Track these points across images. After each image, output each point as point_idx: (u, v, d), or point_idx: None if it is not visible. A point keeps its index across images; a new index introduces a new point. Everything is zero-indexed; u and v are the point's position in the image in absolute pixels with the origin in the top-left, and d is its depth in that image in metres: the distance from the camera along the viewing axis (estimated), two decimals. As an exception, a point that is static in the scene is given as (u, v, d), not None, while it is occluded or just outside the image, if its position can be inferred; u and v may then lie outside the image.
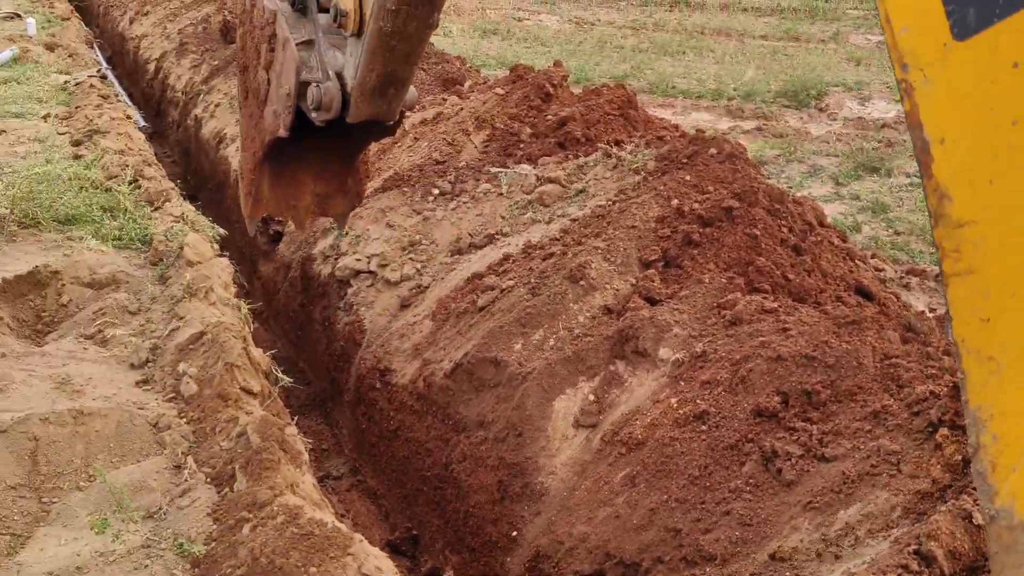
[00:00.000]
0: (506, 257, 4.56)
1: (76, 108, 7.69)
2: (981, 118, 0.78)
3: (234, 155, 7.44)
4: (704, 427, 3.13)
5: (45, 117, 7.49)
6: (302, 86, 2.85)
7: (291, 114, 2.90)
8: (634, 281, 3.92)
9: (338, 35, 2.85)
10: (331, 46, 2.86)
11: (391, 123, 3.02)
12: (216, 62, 9.66)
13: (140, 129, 9.53)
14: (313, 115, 2.88)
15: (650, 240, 4.11)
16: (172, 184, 5.83)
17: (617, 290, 3.89)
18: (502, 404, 3.70)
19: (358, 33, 2.72)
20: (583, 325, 3.78)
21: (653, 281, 3.85)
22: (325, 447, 5.17)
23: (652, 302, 3.75)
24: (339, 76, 2.83)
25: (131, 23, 13.36)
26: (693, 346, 3.43)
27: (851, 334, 3.27)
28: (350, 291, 5.09)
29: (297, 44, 2.90)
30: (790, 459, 2.82)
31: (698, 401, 3.20)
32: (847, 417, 2.91)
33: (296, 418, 4.95)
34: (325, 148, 3.16)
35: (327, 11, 2.86)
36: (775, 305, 3.51)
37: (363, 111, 2.81)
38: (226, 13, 10.54)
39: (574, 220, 4.55)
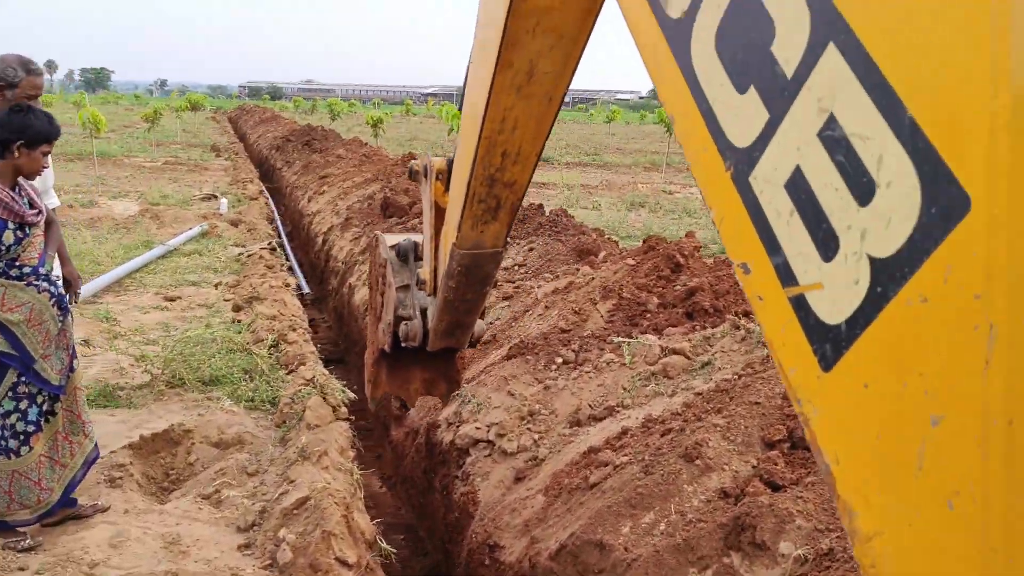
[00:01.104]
0: (624, 431, 4.35)
1: (244, 277, 8.40)
2: (858, 436, 0.86)
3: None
4: (831, 640, 2.70)
5: (216, 285, 8.21)
6: (397, 319, 3.60)
7: (391, 337, 3.68)
8: (755, 463, 3.59)
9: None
10: (422, 289, 3.60)
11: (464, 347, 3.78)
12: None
13: (303, 295, 10.28)
14: (403, 343, 3.64)
15: (775, 418, 3.80)
16: (312, 348, 6.11)
17: (736, 472, 3.57)
18: (605, 594, 3.40)
19: (433, 293, 3.45)
20: (697, 509, 3.47)
21: (776, 464, 3.51)
22: (435, 626, 4.94)
23: (774, 487, 3.40)
24: (424, 313, 3.57)
25: (309, 201, 14.74)
26: (819, 541, 3.04)
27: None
28: (468, 460, 5.00)
29: (397, 288, 3.69)
30: None
31: (825, 609, 2.79)
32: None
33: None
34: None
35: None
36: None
37: (437, 345, 3.59)
38: (387, 191, 11.42)
39: (697, 394, 4.32)
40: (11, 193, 3.22)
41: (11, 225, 3.21)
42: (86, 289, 7.31)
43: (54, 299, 3.42)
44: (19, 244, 3.24)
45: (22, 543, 3.41)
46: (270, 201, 17.03)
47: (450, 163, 3.31)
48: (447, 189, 3.34)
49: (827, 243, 0.89)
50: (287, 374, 5.36)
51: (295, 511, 3.69)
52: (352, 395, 5.58)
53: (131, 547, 3.51)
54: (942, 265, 0.75)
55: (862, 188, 0.84)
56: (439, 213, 3.37)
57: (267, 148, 25.29)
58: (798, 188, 0.93)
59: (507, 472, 4.72)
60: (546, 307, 6.22)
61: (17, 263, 3.27)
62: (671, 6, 1.17)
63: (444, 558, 5.11)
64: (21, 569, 3.25)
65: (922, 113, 0.77)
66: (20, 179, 3.35)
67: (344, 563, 3.40)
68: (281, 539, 3.49)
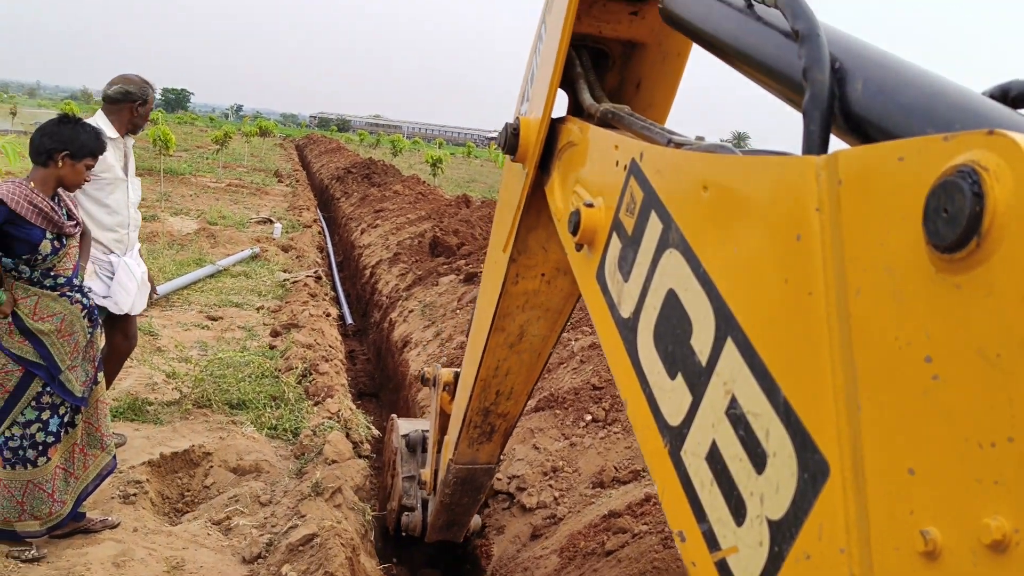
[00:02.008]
0: (647, 498, 4.19)
1: (286, 303, 8.46)
2: None
3: (414, 359, 7.75)
4: None
5: (258, 308, 8.28)
6: (402, 508, 4.15)
7: (395, 520, 4.18)
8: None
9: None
10: (423, 488, 4.04)
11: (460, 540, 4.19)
12: (420, 272, 10.39)
13: (347, 326, 10.31)
14: (404, 531, 4.13)
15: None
16: (343, 380, 6.08)
17: (760, 555, 3.39)
18: (611, 670, 3.23)
19: (433, 491, 3.84)
20: (714, 591, 3.29)
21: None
22: None
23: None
24: (425, 505, 4.02)
25: (362, 233, 14.90)
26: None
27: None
28: (486, 511, 4.88)
29: (404, 478, 4.14)
30: None
31: None
32: None
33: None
34: None
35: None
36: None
37: (434, 538, 3.99)
38: (438, 230, 11.47)
39: (727, 466, 4.14)
40: (51, 203, 3.26)
41: (49, 235, 3.24)
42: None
43: (85, 311, 3.43)
44: (55, 254, 3.27)
45: (27, 553, 3.38)
46: (325, 229, 17.29)
47: (456, 376, 3.73)
48: (453, 397, 3.74)
49: (738, 509, 1.01)
50: (313, 405, 5.33)
51: (301, 547, 3.61)
52: (377, 432, 5.52)
53: (134, 567, 3.45)
54: (817, 524, 0.86)
55: (758, 458, 0.97)
56: (444, 419, 3.78)
57: (328, 178, 25.79)
58: (715, 460, 1.07)
59: (524, 528, 4.58)
60: (581, 361, 6.10)
61: (52, 273, 3.30)
62: (623, 307, 1.42)
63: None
64: (21, 580, 3.22)
65: (792, 393, 0.92)
66: (60, 190, 3.40)
67: (343, 607, 3.30)
68: (284, 575, 3.41)
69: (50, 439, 3.37)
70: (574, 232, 1.64)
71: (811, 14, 1.11)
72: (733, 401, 1.04)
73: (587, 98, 2.01)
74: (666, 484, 1.20)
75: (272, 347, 6.75)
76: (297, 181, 25.70)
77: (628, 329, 1.40)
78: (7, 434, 3.31)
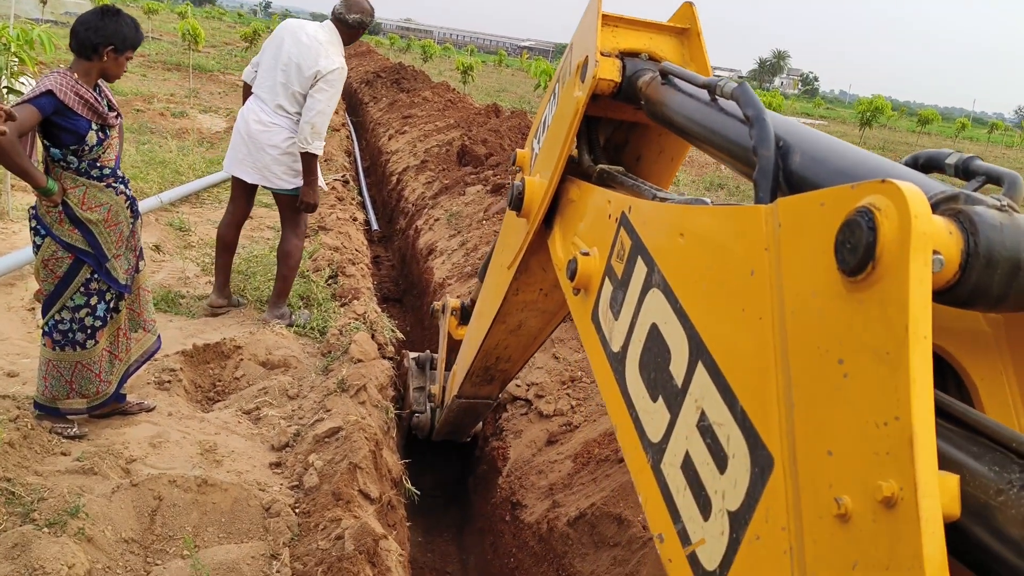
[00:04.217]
0: (662, 410, 4.31)
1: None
2: None
3: (439, 267, 7.84)
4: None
5: (287, 210, 8.33)
6: (411, 413, 4.63)
7: (406, 428, 4.74)
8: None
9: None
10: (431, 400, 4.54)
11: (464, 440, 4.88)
12: (447, 181, 10.38)
13: (372, 231, 10.40)
14: (413, 430, 4.67)
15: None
16: (369, 284, 6.19)
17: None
18: (617, 567, 3.40)
19: (440, 405, 4.31)
20: (721, 500, 3.43)
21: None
22: (450, 570, 5.03)
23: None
24: (434, 412, 4.47)
25: (389, 139, 14.83)
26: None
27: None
28: (503, 416, 5.03)
29: (414, 389, 4.64)
30: None
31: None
32: None
33: (428, 536, 4.90)
34: None
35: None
36: None
37: (440, 437, 4.57)
38: (466, 139, 11.39)
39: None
40: (95, 94, 3.32)
41: (94, 126, 3.31)
42: (165, 197, 7.54)
43: (128, 201, 3.53)
44: (100, 145, 3.35)
45: (69, 430, 3.57)
46: (352, 134, 17.20)
47: (463, 304, 4.22)
48: (460, 322, 4.23)
49: (705, 506, 1.18)
50: (340, 306, 5.45)
51: (326, 439, 3.77)
52: (401, 335, 5.66)
53: (169, 448, 3.64)
54: (764, 509, 1.03)
55: (721, 460, 1.15)
56: (452, 342, 4.23)
57: (357, 82, 25.47)
58: (688, 467, 1.24)
59: (540, 433, 4.74)
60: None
61: (98, 164, 3.38)
62: (614, 342, 1.62)
63: (466, 508, 5.18)
64: (64, 454, 3.41)
65: (747, 402, 1.10)
66: (100, 83, 3.44)
67: (366, 496, 3.47)
68: (310, 464, 3.59)
69: (97, 323, 3.51)
70: (572, 278, 1.84)
71: (758, 103, 1.35)
72: (703, 415, 1.21)
73: (586, 159, 2.25)
74: (648, 495, 1.37)
75: (300, 248, 6.85)
76: (326, 83, 25.38)
77: (618, 361, 1.59)
78: (57, 317, 3.45)
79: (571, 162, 2.28)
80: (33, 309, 4.86)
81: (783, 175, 1.27)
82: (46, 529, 2.80)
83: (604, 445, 4.25)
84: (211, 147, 10.96)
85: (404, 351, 5.07)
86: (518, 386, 5.07)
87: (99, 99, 3.34)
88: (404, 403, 4.80)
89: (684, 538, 1.24)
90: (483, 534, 4.70)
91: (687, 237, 1.37)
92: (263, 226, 7.77)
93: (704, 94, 1.62)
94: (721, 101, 1.56)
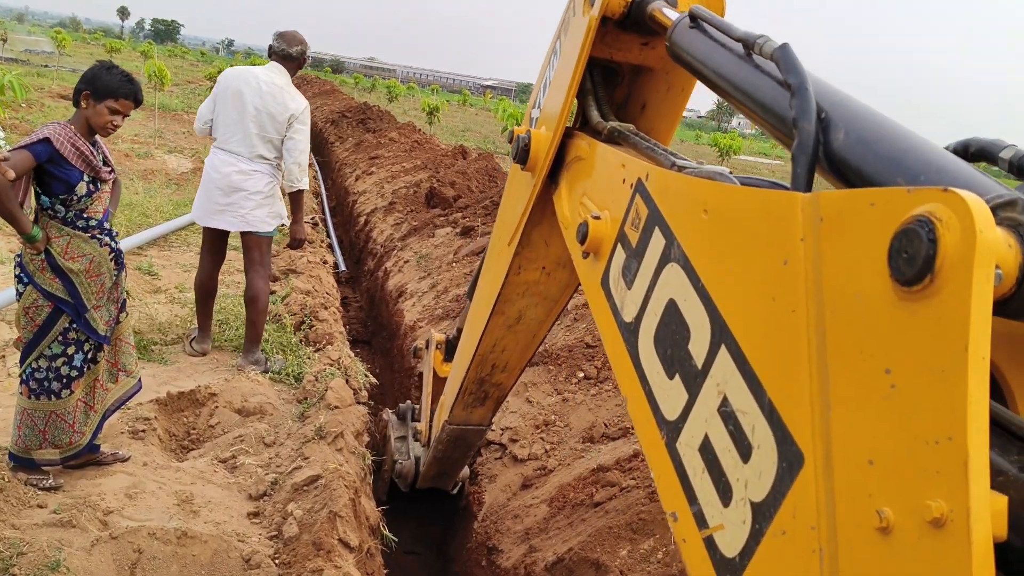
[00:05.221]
0: (635, 454, 4.39)
1: (283, 248, 8.53)
2: None
3: (409, 309, 7.89)
4: None
5: (256, 253, 8.32)
6: (393, 464, 4.43)
7: (387, 486, 4.58)
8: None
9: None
10: (417, 440, 4.42)
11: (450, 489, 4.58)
12: (416, 223, 10.47)
13: (339, 273, 10.41)
14: (396, 480, 4.46)
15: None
16: (341, 328, 6.22)
17: (740, 512, 3.60)
18: (595, 613, 3.45)
19: (427, 445, 4.14)
20: (696, 544, 3.51)
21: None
22: (426, 617, 5.01)
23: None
24: (418, 460, 4.34)
25: (356, 180, 14.91)
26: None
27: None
28: (478, 460, 5.07)
29: (395, 439, 4.54)
30: None
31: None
32: None
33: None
34: None
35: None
36: None
37: (426, 485, 4.38)
38: (434, 181, 11.52)
39: (712, 428, 4.34)
40: (89, 146, 3.38)
41: (86, 177, 3.36)
42: (130, 242, 7.50)
43: (113, 253, 3.56)
44: (89, 196, 3.39)
45: (44, 482, 3.54)
46: (319, 175, 17.24)
47: (448, 338, 4.10)
48: (445, 358, 4.10)
49: (725, 492, 1.16)
50: (314, 351, 5.47)
51: (305, 487, 3.78)
52: (374, 380, 5.68)
53: (145, 499, 3.62)
54: (792, 505, 1.02)
55: (744, 449, 1.13)
56: (437, 379, 4.11)
57: (322, 121, 25.58)
58: (707, 451, 1.22)
59: (515, 477, 4.78)
60: (575, 319, 6.26)
61: (84, 215, 3.42)
62: (626, 312, 1.57)
63: (441, 554, 5.19)
64: (40, 506, 3.38)
65: (776, 395, 1.07)
66: (98, 138, 3.50)
67: (346, 545, 3.48)
68: (289, 513, 3.59)
69: (74, 373, 3.51)
70: (582, 241, 1.77)
71: (801, 69, 1.25)
72: (725, 400, 1.19)
73: (595, 115, 2.13)
74: (662, 471, 1.35)
75: (271, 292, 6.86)
76: (291, 123, 25.43)
77: (630, 332, 1.54)
78: (34, 365, 3.45)
79: (581, 120, 2.22)
80: (3, 356, 4.81)
81: (823, 152, 1.20)
82: (26, 585, 2.77)
83: (579, 489, 4.31)
84: (178, 188, 10.93)
85: (383, 409, 5.09)
86: (493, 430, 5.12)
87: (95, 152, 3.40)
88: (385, 457, 4.72)
89: (700, 520, 1.22)
90: (459, 580, 4.70)
91: (712, 215, 1.30)
92: (232, 269, 7.76)
93: (739, 47, 1.49)
94: (757, 59, 1.44)
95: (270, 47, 5.22)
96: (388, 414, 4.80)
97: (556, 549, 3.90)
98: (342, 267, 10.78)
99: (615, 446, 4.65)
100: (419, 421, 4.49)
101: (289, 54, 5.17)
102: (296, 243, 5.45)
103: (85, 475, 3.75)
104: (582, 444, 4.80)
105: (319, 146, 22.30)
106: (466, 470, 4.45)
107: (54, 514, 3.29)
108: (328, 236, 11.61)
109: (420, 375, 4.68)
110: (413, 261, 9.14)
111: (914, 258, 0.85)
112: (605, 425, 4.85)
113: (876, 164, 1.13)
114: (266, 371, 5.13)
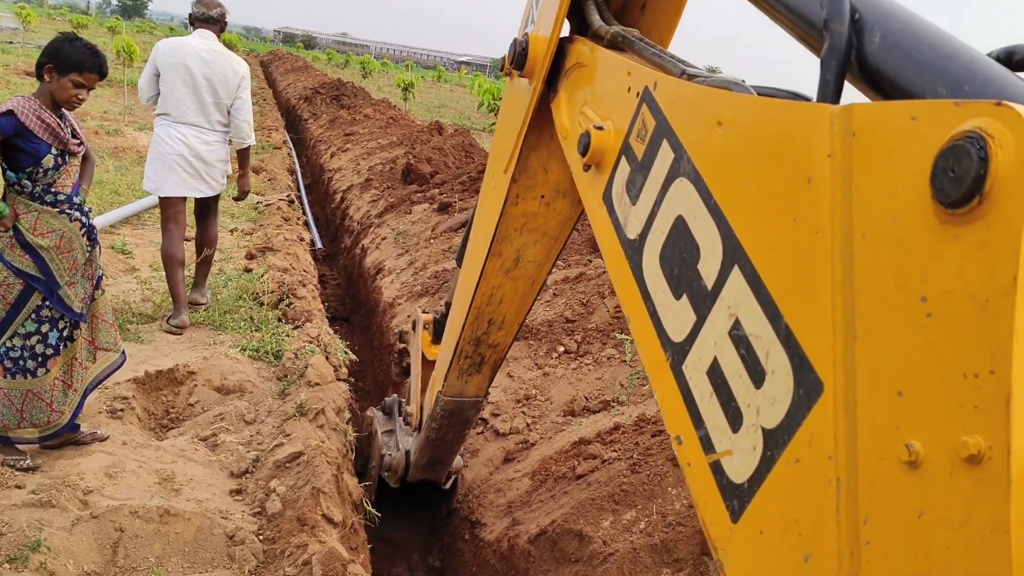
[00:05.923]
0: (617, 427, 4.42)
1: (260, 226, 8.46)
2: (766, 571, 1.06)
3: (388, 286, 7.85)
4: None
5: (232, 231, 8.27)
6: (381, 458, 4.22)
7: (375, 481, 4.36)
8: (741, 475, 3.66)
9: (409, 427, 4.26)
10: (405, 433, 4.23)
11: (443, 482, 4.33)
12: (393, 200, 10.40)
13: (316, 250, 10.33)
14: (385, 475, 4.18)
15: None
16: (320, 306, 6.18)
17: (721, 482, 3.64)
18: (579, 583, 3.48)
19: (418, 429, 3.97)
20: (678, 512, 3.55)
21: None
22: (410, 591, 5.04)
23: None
24: (407, 453, 4.10)
25: (331, 157, 14.76)
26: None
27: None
28: (460, 435, 5.08)
29: (382, 433, 4.36)
30: None
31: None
32: None
33: (393, 557, 4.90)
34: None
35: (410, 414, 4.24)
36: None
37: (417, 476, 4.13)
38: (411, 157, 11.43)
39: (692, 400, 4.37)
40: (56, 119, 3.30)
41: (54, 150, 3.29)
42: (102, 220, 7.39)
43: (84, 229, 3.49)
44: (56, 170, 3.32)
45: (22, 462, 3.50)
46: (293, 152, 17.05)
47: (435, 318, 4.00)
48: (434, 340, 4.00)
49: (735, 418, 1.12)
50: (293, 329, 5.44)
51: (288, 464, 3.77)
52: (354, 357, 5.66)
53: (126, 479, 3.59)
54: (807, 434, 0.98)
55: (757, 375, 1.08)
56: (426, 361, 4.03)
57: (296, 98, 25.27)
58: (716, 375, 1.18)
59: (497, 452, 4.80)
60: (554, 294, 6.27)
61: (52, 189, 3.35)
62: (629, 229, 1.49)
63: (428, 528, 5.20)
64: (18, 487, 3.34)
65: (793, 320, 1.02)
66: (65, 111, 3.42)
67: (330, 520, 3.48)
68: (272, 489, 3.58)
69: (49, 351, 3.46)
70: (583, 153, 1.66)
71: None
72: (736, 323, 1.13)
73: (596, 19, 2.00)
74: (666, 394, 1.29)
75: (248, 270, 6.80)
76: (264, 100, 25.13)
77: (634, 249, 1.46)
78: (8, 344, 3.39)
79: (577, 24, 2.10)
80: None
81: (856, 57, 1.10)
82: (7, 564, 2.75)
83: (561, 462, 4.34)
84: (150, 166, 10.74)
85: (369, 408, 4.92)
86: (473, 405, 5.12)
87: (62, 124, 3.32)
88: (369, 461, 4.57)
89: (707, 445, 1.18)
90: (444, 554, 4.73)
91: (726, 127, 1.22)
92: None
93: None
94: None
95: (191, 14, 5.41)
96: (373, 411, 4.65)
97: (539, 522, 3.93)
98: (319, 245, 10.70)
99: (596, 419, 4.68)
100: (406, 413, 4.33)
101: (211, 16, 5.36)
102: (244, 195, 5.94)
103: (64, 455, 3.71)
104: (563, 418, 4.82)
105: (292, 123, 22.05)
106: (459, 460, 4.26)
107: (33, 494, 3.25)
108: (304, 213, 11.51)
109: (401, 352, 4.62)
110: (391, 238, 9.09)
111: (962, 178, 0.78)
112: (586, 399, 4.87)
113: (915, 73, 1.03)
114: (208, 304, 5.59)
